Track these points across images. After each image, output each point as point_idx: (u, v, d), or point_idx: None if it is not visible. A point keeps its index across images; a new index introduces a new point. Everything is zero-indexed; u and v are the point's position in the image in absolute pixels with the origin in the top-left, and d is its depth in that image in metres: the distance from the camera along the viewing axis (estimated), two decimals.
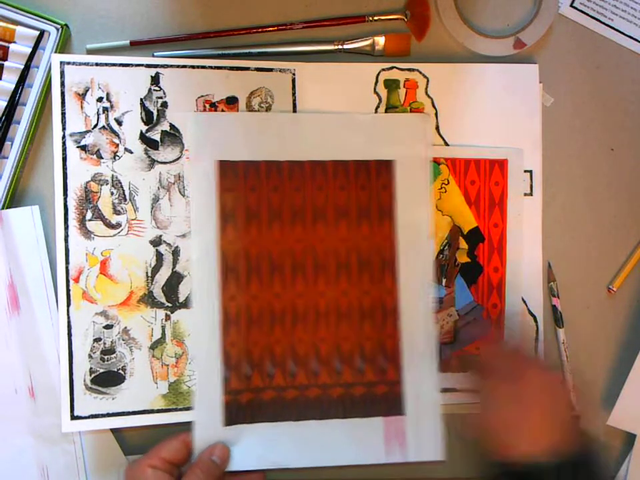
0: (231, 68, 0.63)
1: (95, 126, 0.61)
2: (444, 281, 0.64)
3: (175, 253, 0.62)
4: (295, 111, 0.63)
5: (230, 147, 0.61)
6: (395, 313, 0.62)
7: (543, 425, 0.53)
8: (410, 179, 0.62)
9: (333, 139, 0.62)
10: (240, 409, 0.60)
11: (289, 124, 0.62)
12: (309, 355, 0.61)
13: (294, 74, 0.63)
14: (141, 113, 0.62)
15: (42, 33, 0.61)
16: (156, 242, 0.61)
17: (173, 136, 0.62)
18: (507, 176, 0.64)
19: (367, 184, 0.62)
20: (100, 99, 0.61)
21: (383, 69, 0.64)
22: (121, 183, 0.61)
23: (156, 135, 0.62)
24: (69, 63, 0.61)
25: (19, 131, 0.60)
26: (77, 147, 0.61)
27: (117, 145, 0.61)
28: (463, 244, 0.64)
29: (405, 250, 0.62)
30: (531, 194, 0.65)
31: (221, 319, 0.60)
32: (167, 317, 0.61)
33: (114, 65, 0.61)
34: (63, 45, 0.62)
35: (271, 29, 0.64)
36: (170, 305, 0.61)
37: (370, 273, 0.62)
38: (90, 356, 0.60)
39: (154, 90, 0.62)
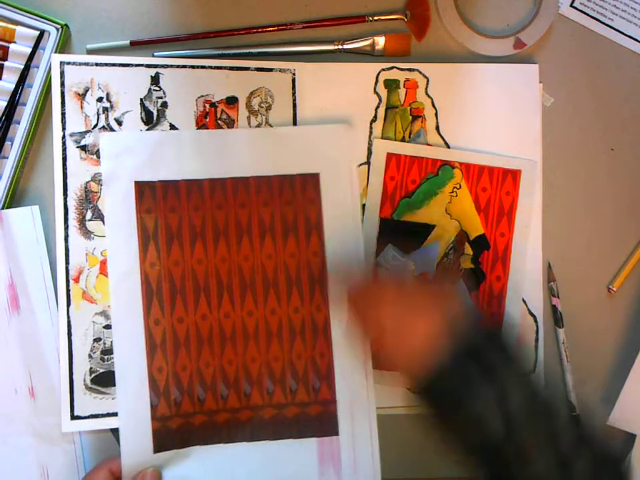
0: (231, 68, 0.63)
1: (95, 126, 0.61)
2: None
3: None
4: (294, 110, 0.63)
5: (147, 167, 0.60)
6: (326, 330, 0.60)
7: (432, 330, 0.50)
8: (337, 192, 0.61)
9: (254, 154, 0.61)
10: (170, 435, 0.58)
11: (206, 141, 0.61)
12: (239, 377, 0.60)
13: (294, 74, 0.63)
14: (141, 113, 0.62)
15: (42, 32, 0.61)
16: None
17: None
18: (518, 187, 0.64)
19: (293, 199, 0.61)
20: (100, 99, 0.61)
21: (383, 69, 0.64)
22: None
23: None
24: (69, 63, 0.61)
25: (19, 131, 0.60)
26: (77, 147, 0.61)
27: None
28: (468, 250, 0.64)
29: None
30: None
31: (146, 344, 0.59)
32: None
33: (114, 65, 0.61)
34: (63, 45, 0.62)
35: (271, 28, 0.64)
36: None
37: (299, 290, 0.60)
38: (90, 356, 0.60)
39: (154, 90, 0.62)
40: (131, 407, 0.58)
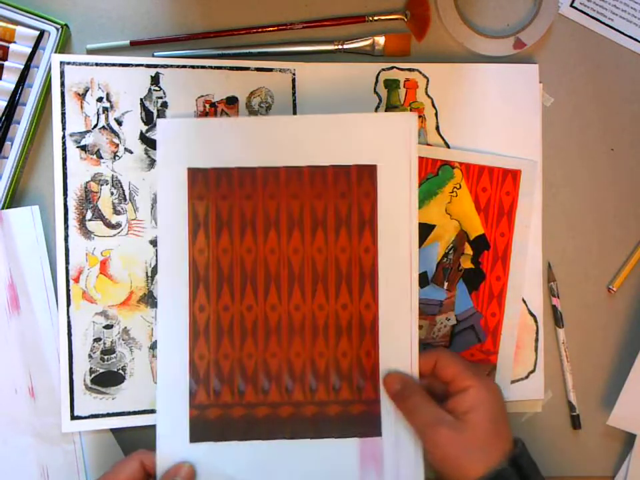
0: (231, 68, 0.63)
1: (95, 126, 0.61)
2: (446, 284, 0.64)
3: None
4: (295, 110, 0.63)
5: (200, 154, 0.59)
6: (374, 329, 0.59)
7: (487, 443, 0.54)
8: (394, 186, 0.59)
9: (310, 143, 0.59)
10: (207, 425, 0.58)
11: (261, 128, 0.59)
12: (282, 371, 0.59)
13: (294, 74, 0.63)
14: (141, 113, 0.62)
15: (42, 32, 0.61)
16: (156, 242, 0.61)
17: None
18: (518, 187, 0.64)
19: (347, 191, 0.59)
20: (100, 99, 0.61)
21: (383, 69, 0.64)
22: (120, 183, 0.61)
23: (156, 135, 0.61)
24: (68, 63, 0.61)
25: (19, 131, 0.60)
26: (77, 147, 0.61)
27: (117, 145, 0.61)
28: (468, 250, 0.64)
29: (387, 262, 0.59)
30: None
31: (189, 330, 0.58)
32: None
33: (114, 65, 0.61)
34: (63, 45, 0.62)
35: (271, 28, 0.64)
36: None
37: (348, 286, 0.59)
38: (90, 356, 0.60)
39: (154, 90, 0.62)
40: (170, 392, 0.58)
